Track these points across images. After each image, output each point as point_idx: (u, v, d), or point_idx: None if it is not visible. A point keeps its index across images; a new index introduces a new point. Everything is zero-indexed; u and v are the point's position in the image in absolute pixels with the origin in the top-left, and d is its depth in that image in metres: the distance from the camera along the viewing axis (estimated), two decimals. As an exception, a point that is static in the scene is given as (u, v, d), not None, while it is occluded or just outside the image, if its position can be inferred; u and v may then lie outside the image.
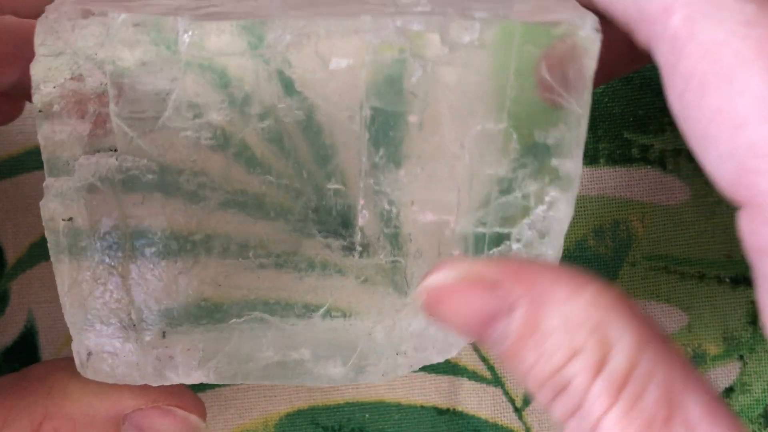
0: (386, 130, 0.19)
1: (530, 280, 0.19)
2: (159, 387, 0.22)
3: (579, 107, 0.19)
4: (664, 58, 0.19)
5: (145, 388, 0.23)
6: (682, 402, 0.18)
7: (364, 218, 0.20)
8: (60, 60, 0.19)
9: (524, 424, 0.27)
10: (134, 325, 0.20)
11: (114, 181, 0.19)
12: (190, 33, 0.18)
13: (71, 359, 0.21)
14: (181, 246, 0.20)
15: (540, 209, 0.20)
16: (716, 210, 0.27)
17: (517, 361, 0.20)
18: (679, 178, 0.27)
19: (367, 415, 0.28)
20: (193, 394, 0.25)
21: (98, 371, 0.21)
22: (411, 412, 0.28)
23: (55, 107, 0.19)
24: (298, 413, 0.28)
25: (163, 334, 0.20)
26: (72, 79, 0.19)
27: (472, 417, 0.27)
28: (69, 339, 0.21)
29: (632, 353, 0.18)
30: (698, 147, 0.18)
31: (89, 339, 0.20)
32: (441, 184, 0.20)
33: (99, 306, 0.20)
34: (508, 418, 0.27)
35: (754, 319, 0.27)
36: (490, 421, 0.27)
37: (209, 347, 0.21)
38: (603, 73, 0.21)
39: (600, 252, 0.27)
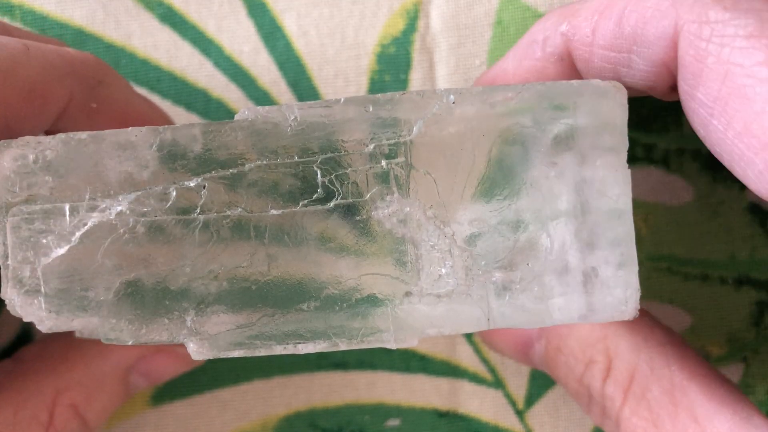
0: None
1: None
2: None
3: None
4: (681, 89, 0.19)
5: None
6: (685, 392, 0.21)
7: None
8: None
9: (526, 426, 0.27)
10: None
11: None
12: None
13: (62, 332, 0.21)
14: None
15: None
16: (720, 210, 0.27)
17: (556, 377, 0.24)
18: (683, 178, 0.27)
19: (366, 417, 0.27)
20: None
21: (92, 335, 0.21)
22: (411, 414, 0.27)
23: None
24: (297, 415, 0.27)
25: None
26: None
27: (473, 419, 0.27)
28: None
29: (629, 358, 0.22)
30: (735, 167, 0.19)
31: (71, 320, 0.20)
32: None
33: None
34: (509, 420, 0.27)
35: (757, 320, 0.27)
36: (491, 423, 0.27)
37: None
38: None
39: (603, 253, 0.27)
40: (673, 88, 0.20)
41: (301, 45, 0.27)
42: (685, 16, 0.19)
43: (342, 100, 0.19)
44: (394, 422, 0.27)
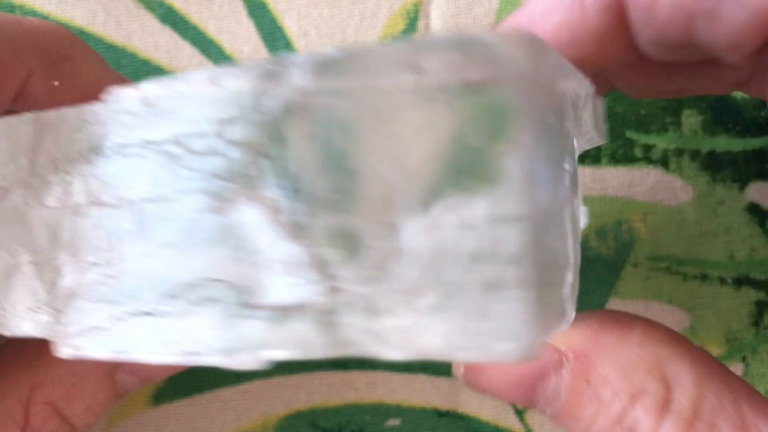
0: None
1: (573, 330, 0.18)
2: None
3: None
4: None
5: None
6: (760, 430, 0.17)
7: None
8: None
9: (525, 426, 0.27)
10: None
11: None
12: None
13: None
14: None
15: None
16: (718, 210, 0.27)
17: (575, 419, 0.18)
18: (682, 178, 0.27)
19: (366, 417, 0.27)
20: None
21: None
22: (411, 413, 0.27)
23: None
24: (297, 415, 0.27)
25: None
26: None
27: (473, 419, 0.27)
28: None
29: (695, 388, 0.17)
30: None
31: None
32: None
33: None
34: (509, 420, 0.27)
35: (756, 320, 0.27)
36: (491, 422, 0.27)
37: None
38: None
39: (602, 252, 0.27)
40: (763, 49, 0.16)
41: (301, 45, 0.27)
42: None
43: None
44: (394, 422, 0.27)
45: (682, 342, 0.18)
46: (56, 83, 0.21)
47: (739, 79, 0.19)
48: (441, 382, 0.27)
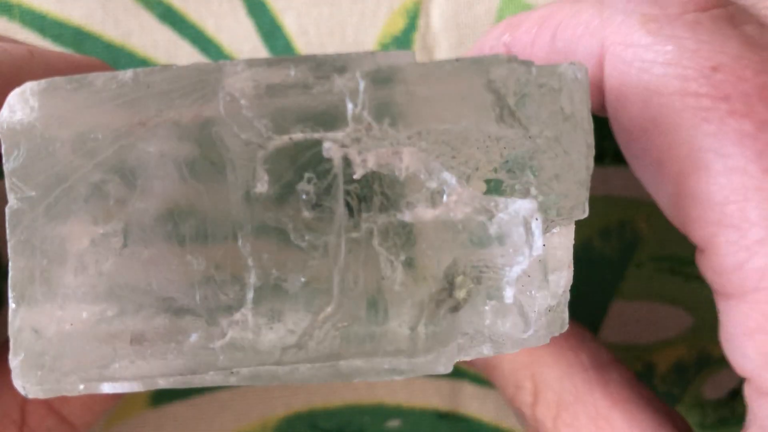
0: None
1: None
2: None
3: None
4: (607, 109, 0.19)
5: None
6: (608, 420, 0.21)
7: None
8: None
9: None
10: None
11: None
12: None
13: None
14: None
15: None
16: (722, 210, 0.27)
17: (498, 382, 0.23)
18: (685, 178, 0.27)
19: (366, 418, 0.27)
20: None
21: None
22: (411, 414, 0.27)
23: None
24: (297, 416, 0.27)
25: None
26: None
27: (474, 420, 0.27)
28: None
29: (555, 386, 0.22)
30: (651, 193, 0.19)
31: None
32: None
33: None
34: (510, 421, 0.27)
35: (760, 321, 0.27)
36: (492, 424, 0.27)
37: None
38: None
39: (606, 253, 0.27)
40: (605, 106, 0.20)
41: (300, 44, 0.27)
42: (611, 36, 0.18)
43: None
44: (394, 423, 0.27)
45: (552, 347, 0.22)
46: None
47: None
48: (442, 383, 0.27)
